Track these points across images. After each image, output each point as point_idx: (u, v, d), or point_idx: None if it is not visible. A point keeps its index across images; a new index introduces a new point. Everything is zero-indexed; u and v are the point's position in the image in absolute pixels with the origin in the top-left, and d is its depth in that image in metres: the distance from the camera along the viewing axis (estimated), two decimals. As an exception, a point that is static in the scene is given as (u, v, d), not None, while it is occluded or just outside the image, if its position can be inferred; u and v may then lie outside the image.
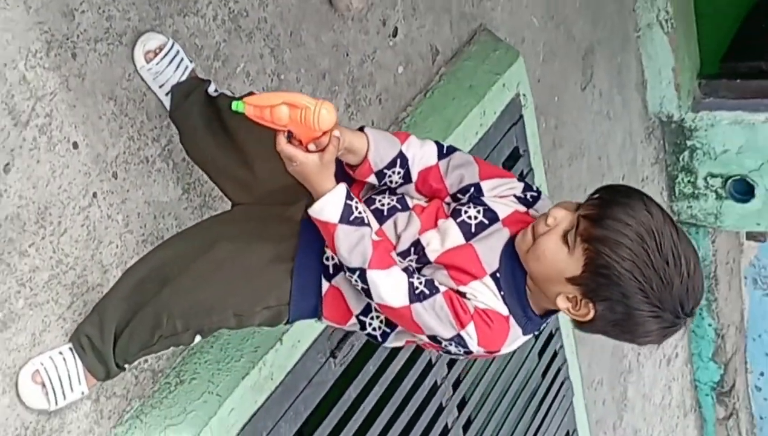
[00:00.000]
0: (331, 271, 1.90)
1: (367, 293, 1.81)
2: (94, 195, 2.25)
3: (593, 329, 1.80)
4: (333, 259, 1.88)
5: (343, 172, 1.90)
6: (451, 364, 3.25)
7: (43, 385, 2.10)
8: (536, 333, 1.92)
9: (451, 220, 1.86)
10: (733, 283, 6.23)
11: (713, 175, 5.54)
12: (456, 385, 3.31)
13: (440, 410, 3.22)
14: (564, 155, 4.45)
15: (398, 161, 1.85)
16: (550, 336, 3.98)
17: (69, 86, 2.17)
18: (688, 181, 5.62)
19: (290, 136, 1.74)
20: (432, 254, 1.84)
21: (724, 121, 5.36)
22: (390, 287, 1.78)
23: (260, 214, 2.03)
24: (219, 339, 2.55)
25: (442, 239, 1.84)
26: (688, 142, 5.50)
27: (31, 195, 2.10)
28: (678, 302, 1.72)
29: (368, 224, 1.80)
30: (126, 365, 2.14)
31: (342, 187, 1.78)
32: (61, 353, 2.13)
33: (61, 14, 2.14)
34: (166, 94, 2.34)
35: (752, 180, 5.43)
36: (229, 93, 2.30)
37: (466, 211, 1.86)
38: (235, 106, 1.74)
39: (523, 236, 1.80)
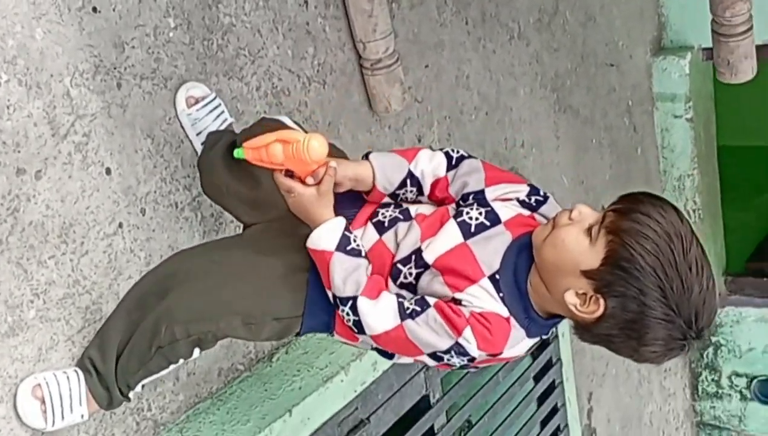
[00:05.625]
0: None
1: (359, 325, 1.77)
2: (120, 225, 2.23)
3: (597, 331, 1.69)
4: None
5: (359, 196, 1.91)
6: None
7: (43, 401, 2.01)
8: (543, 336, 1.84)
9: (452, 220, 1.84)
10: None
11: (738, 375, 5.43)
12: None
13: None
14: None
15: (408, 181, 1.86)
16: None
17: (110, 113, 2.21)
18: (712, 380, 5.50)
19: (290, 175, 1.79)
20: (430, 256, 1.80)
21: (750, 318, 5.30)
22: (380, 312, 1.75)
23: (273, 228, 2.00)
24: (226, 403, 2.45)
25: (441, 239, 1.81)
26: (713, 339, 5.42)
27: (58, 207, 2.09)
28: (693, 312, 1.64)
29: (365, 257, 1.79)
30: (130, 393, 2.06)
31: (340, 220, 1.80)
32: (65, 372, 2.06)
33: (112, 44, 2.20)
34: (201, 143, 2.37)
35: (778, 382, 5.32)
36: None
37: (468, 212, 1.84)
38: (237, 153, 1.83)
39: (543, 227, 1.76)
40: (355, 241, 1.79)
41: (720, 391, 5.49)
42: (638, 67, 4.80)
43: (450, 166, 1.88)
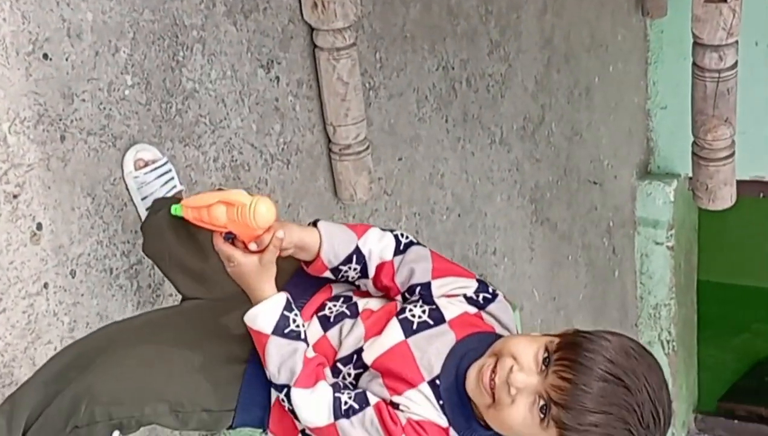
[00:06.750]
0: None
1: (294, 413, 1.65)
2: (45, 285, 2.09)
3: None
4: None
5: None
6: None
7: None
8: None
9: (394, 318, 1.71)
10: None
11: None
12: None
13: None
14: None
15: (354, 257, 1.72)
16: None
17: (49, 166, 2.08)
18: None
19: (232, 238, 1.64)
20: (369, 356, 1.67)
21: (718, 460, 5.13)
22: (314, 406, 1.62)
23: (214, 309, 1.86)
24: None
25: (382, 338, 1.68)
26: (676, 475, 5.23)
27: (-23, 258, 1.96)
28: None
29: (304, 340, 1.66)
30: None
31: (281, 297, 1.66)
32: (-40, 439, 1.88)
33: (60, 94, 2.09)
34: (147, 208, 2.24)
35: None
36: None
37: (411, 310, 1.71)
38: (174, 210, 1.67)
39: (479, 388, 1.61)
40: (294, 321, 1.66)
41: None
42: (622, 189, 4.71)
43: (397, 251, 1.75)
